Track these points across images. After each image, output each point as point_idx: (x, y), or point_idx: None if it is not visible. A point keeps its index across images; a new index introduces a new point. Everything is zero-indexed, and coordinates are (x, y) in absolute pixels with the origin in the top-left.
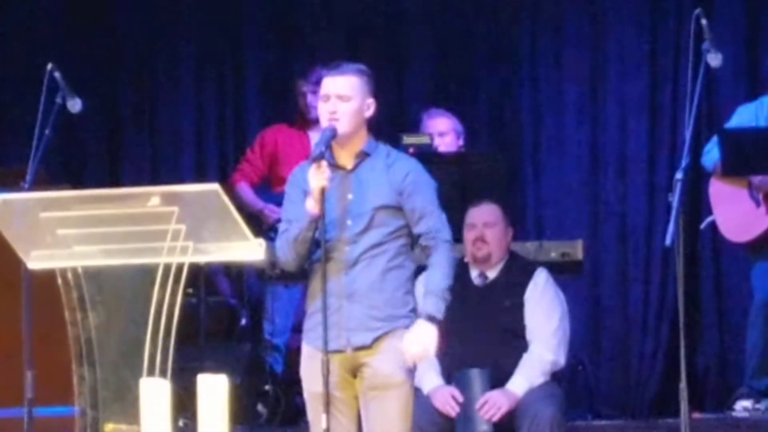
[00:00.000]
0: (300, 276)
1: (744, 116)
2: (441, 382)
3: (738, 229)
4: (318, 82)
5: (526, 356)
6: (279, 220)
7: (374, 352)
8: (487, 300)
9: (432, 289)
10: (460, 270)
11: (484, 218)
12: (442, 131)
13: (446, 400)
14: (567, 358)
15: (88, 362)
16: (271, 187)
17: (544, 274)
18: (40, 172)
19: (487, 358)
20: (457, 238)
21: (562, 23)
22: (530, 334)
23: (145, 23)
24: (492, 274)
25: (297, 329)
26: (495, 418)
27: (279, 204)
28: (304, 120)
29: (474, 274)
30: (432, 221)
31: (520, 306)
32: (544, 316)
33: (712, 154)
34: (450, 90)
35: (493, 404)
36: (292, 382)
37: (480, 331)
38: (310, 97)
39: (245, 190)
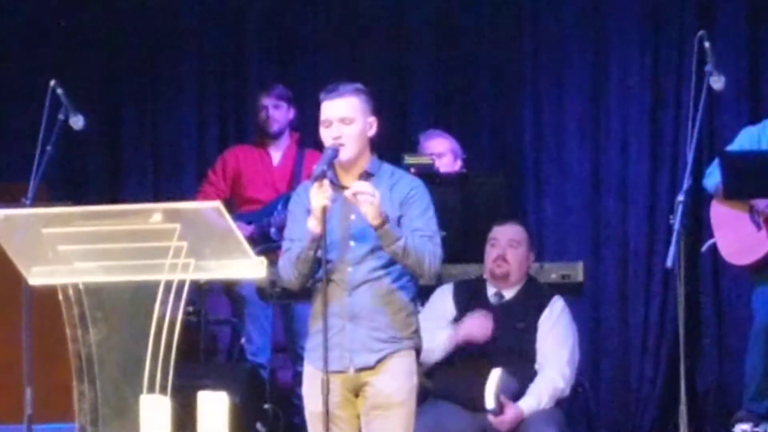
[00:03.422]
0: (299, 295)
1: (747, 139)
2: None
3: (739, 252)
4: (280, 97)
5: (540, 378)
6: (249, 238)
7: (377, 372)
8: (500, 319)
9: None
10: (477, 286)
11: (510, 236)
12: (440, 152)
13: (480, 323)
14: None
15: (89, 379)
16: (235, 207)
17: (561, 302)
18: (42, 188)
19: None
20: (461, 258)
21: (564, 44)
22: (542, 358)
23: (147, 40)
24: (508, 294)
25: (276, 349)
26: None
27: (247, 222)
28: (265, 135)
29: (491, 292)
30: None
31: (532, 330)
32: (558, 344)
33: (713, 176)
34: (452, 110)
35: (503, 420)
36: (280, 399)
37: (489, 350)
38: (271, 111)
39: None
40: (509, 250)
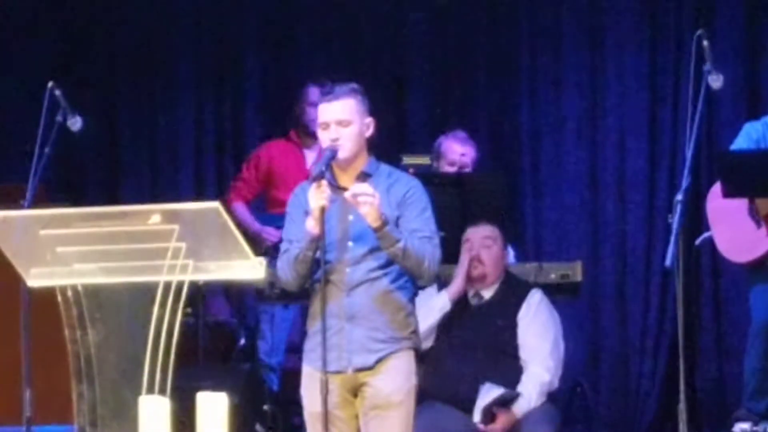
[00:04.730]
0: (298, 296)
1: (752, 134)
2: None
3: (736, 248)
4: None
5: (525, 377)
6: (276, 244)
7: (375, 373)
8: (481, 319)
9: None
10: None
11: (482, 234)
12: (466, 163)
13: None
14: (565, 380)
15: (88, 380)
16: (266, 207)
17: (538, 294)
18: (40, 190)
19: (479, 376)
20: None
21: (562, 43)
22: (526, 354)
23: (144, 41)
24: (487, 294)
25: (291, 349)
26: None
27: (276, 226)
28: (306, 134)
29: (470, 293)
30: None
31: (512, 326)
32: (539, 336)
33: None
34: (449, 110)
35: (494, 428)
36: (287, 401)
37: (474, 350)
38: None
39: (241, 209)
40: (483, 251)
